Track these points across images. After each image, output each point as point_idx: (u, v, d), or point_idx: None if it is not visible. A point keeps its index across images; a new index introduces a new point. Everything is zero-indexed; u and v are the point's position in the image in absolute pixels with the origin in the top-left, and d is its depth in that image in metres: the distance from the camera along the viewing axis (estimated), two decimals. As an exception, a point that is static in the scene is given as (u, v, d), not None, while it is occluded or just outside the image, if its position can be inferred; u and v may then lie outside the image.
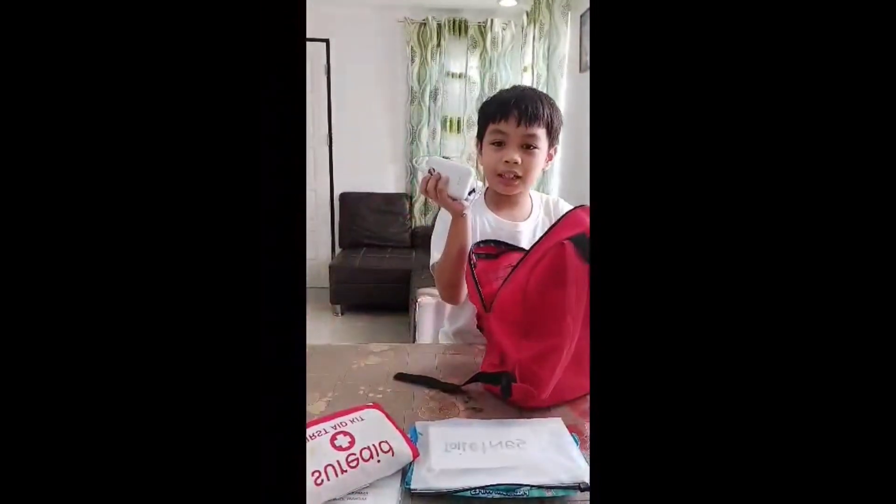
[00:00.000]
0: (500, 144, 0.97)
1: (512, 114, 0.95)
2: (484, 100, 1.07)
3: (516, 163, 0.96)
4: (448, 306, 1.11)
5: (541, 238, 0.71)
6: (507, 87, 1.06)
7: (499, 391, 0.71)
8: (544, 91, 2.95)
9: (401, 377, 0.78)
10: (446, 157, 0.96)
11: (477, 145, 1.05)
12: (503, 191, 1.02)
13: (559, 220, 0.72)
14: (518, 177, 0.98)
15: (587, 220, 0.72)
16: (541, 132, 0.96)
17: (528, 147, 0.97)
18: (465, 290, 0.99)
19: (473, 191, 0.88)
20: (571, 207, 1.10)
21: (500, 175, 0.99)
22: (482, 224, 1.03)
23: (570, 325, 0.64)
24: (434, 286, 1.06)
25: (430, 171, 0.89)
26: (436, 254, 1.01)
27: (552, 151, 1.02)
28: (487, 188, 1.09)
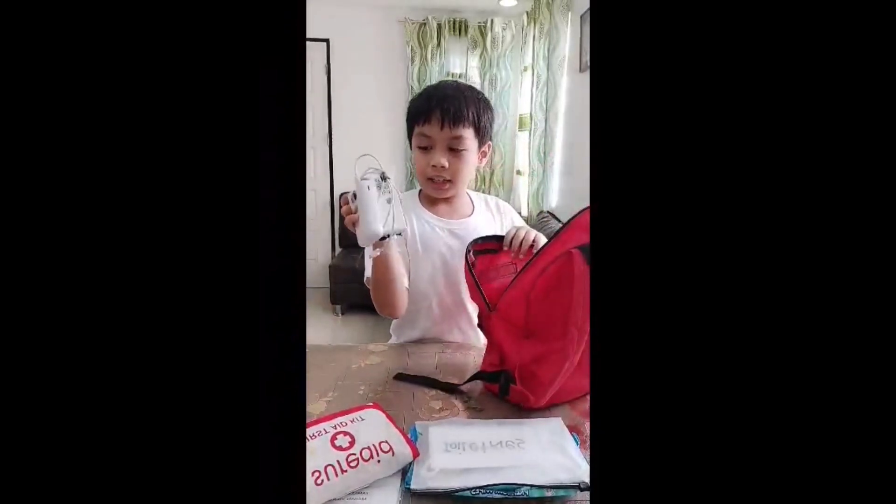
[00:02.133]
0: (426, 148, 0.94)
1: (435, 116, 0.91)
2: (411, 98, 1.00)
3: (444, 167, 0.93)
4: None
5: (551, 240, 0.70)
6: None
7: (497, 389, 0.71)
8: (544, 91, 2.96)
9: (401, 377, 0.78)
10: (385, 179, 0.75)
11: (409, 144, 1.00)
12: (434, 194, 1.00)
13: (572, 219, 0.69)
14: (447, 180, 0.96)
15: None
16: (467, 133, 0.93)
17: (455, 150, 0.93)
18: (403, 306, 0.93)
19: (399, 234, 0.75)
20: (511, 208, 1.09)
21: (429, 179, 0.96)
22: (421, 224, 1.00)
23: (574, 334, 0.63)
24: None
25: (352, 197, 0.74)
26: (370, 264, 0.93)
27: (485, 149, 0.99)
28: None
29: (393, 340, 1.06)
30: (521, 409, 0.70)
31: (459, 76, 3.56)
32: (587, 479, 0.52)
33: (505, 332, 0.72)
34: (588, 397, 0.72)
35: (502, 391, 0.70)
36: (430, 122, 0.91)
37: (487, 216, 1.05)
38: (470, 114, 0.92)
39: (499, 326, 0.73)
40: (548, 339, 0.66)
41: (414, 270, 0.98)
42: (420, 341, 1.00)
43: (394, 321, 1.05)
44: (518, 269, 0.74)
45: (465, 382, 0.74)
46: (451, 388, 0.75)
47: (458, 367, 0.84)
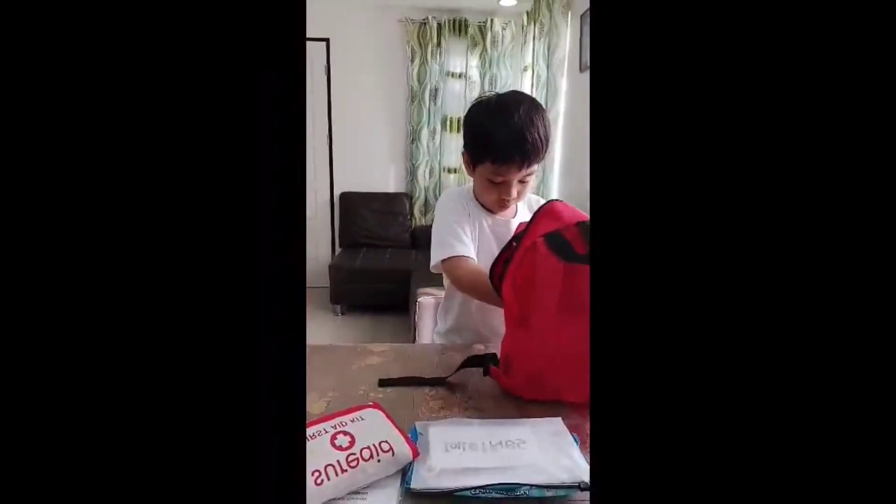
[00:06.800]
0: (496, 183, 0.97)
1: (514, 164, 0.93)
2: (479, 101, 0.99)
3: (514, 198, 0.99)
4: (439, 305, 1.13)
5: (523, 233, 0.74)
6: (503, 91, 1.01)
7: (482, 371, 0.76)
8: (544, 91, 2.96)
9: (384, 383, 0.76)
10: None
11: (465, 155, 1.00)
12: (498, 213, 1.05)
13: (537, 212, 0.74)
14: (513, 203, 1.02)
15: (565, 213, 0.74)
16: (537, 165, 0.96)
17: (524, 182, 0.98)
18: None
19: None
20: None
21: (496, 203, 1.01)
22: (473, 220, 1.05)
23: (537, 322, 0.68)
24: (433, 286, 1.06)
25: None
26: (438, 252, 0.99)
27: None
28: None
29: (438, 328, 1.14)
30: (522, 400, 0.71)
31: (459, 76, 3.56)
32: (587, 479, 0.52)
33: (507, 318, 0.75)
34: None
35: (485, 371, 0.76)
36: (508, 166, 0.93)
37: (527, 216, 1.08)
38: (542, 147, 0.93)
39: (505, 313, 0.76)
40: (534, 327, 0.69)
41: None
42: (455, 330, 1.08)
43: (440, 308, 1.15)
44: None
45: (452, 374, 0.75)
46: (439, 382, 0.75)
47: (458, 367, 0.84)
